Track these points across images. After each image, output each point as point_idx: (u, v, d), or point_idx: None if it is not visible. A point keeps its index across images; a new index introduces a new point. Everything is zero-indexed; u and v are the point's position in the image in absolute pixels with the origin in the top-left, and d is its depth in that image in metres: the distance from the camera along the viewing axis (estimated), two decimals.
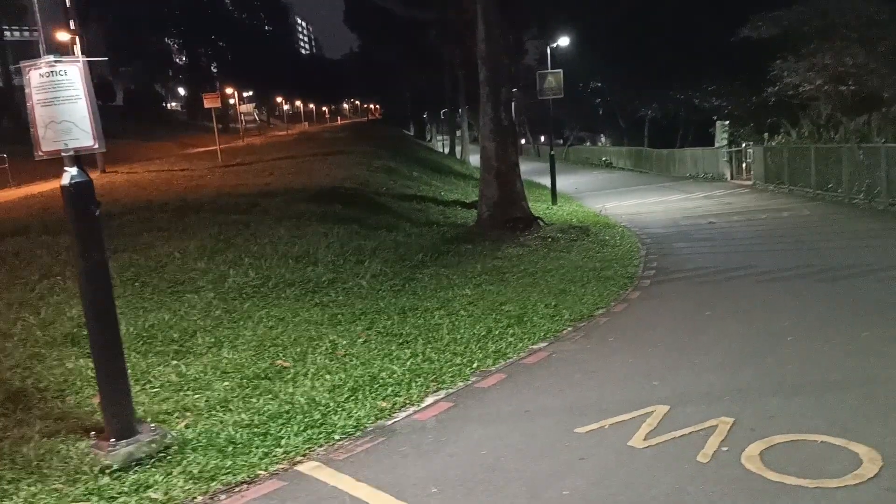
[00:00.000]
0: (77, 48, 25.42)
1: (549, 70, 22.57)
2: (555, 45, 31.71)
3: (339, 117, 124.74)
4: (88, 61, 4.68)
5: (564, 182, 28.28)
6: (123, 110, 60.73)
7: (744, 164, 25.45)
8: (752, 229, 13.84)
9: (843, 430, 4.32)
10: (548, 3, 36.66)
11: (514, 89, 40.18)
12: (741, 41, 24.55)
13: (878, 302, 7.51)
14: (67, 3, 27.53)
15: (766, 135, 23.78)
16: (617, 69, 40.03)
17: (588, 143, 63.72)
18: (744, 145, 26.13)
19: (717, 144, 28.56)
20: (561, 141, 61.24)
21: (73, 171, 4.33)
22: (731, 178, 25.80)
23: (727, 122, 29.04)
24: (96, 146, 4.53)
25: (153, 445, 4.49)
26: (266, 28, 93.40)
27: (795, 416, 4.62)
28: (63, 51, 23.40)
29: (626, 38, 36.22)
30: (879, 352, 5.82)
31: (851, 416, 4.55)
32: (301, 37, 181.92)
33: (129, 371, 5.62)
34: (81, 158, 4.43)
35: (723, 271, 9.94)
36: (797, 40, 22.66)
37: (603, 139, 61.60)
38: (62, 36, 24.26)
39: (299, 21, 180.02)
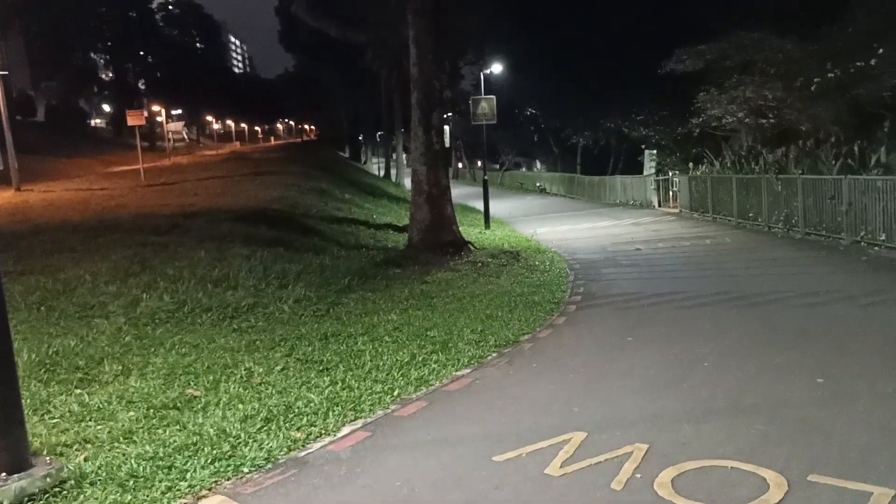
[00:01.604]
0: None
1: (483, 96, 22.82)
2: (489, 71, 32.18)
3: (272, 137, 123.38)
4: None
5: (498, 207, 28.54)
6: (45, 126, 58.58)
7: (671, 193, 26.16)
8: (675, 256, 14.16)
9: (751, 456, 4.38)
10: (483, 29, 37.21)
11: (450, 114, 40.66)
12: (668, 73, 25.33)
13: (791, 328, 7.73)
14: None
15: (691, 164, 24.51)
16: (550, 96, 40.83)
17: (524, 169, 64.58)
18: (670, 174, 26.90)
19: (645, 173, 29.33)
20: (497, 166, 61.98)
21: None
22: (659, 206, 26.46)
23: (654, 151, 29.89)
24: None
25: (48, 480, 4.25)
26: (198, 45, 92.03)
27: (707, 442, 4.67)
28: None
29: (559, 66, 37.03)
30: (790, 378, 5.96)
31: (760, 442, 4.62)
32: (234, 55, 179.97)
33: (28, 401, 5.35)
34: None
35: (646, 297, 10.10)
36: (719, 74, 23.52)
37: (538, 165, 62.56)
38: None
39: (233, 39, 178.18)
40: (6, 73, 26.65)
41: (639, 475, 4.23)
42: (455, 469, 4.51)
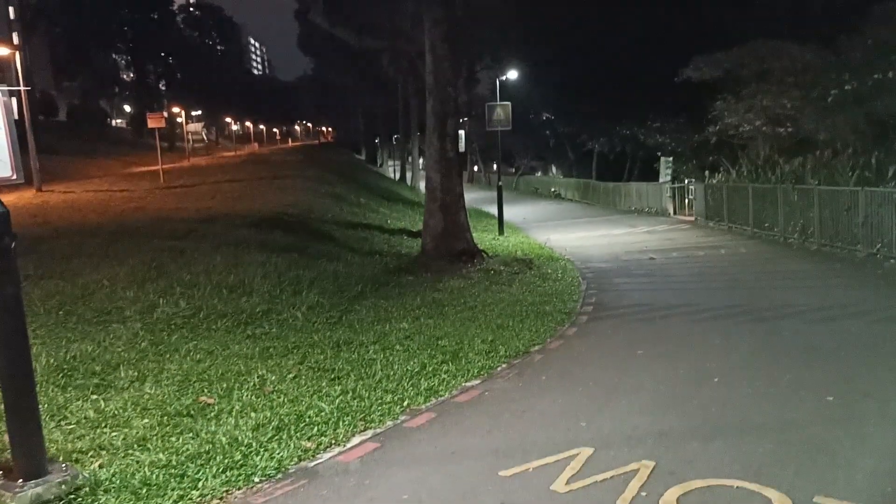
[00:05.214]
0: (17, 64, 24.76)
1: (498, 102, 22.81)
2: (505, 77, 32.19)
3: (290, 139, 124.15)
4: (9, 91, 4.54)
5: (512, 212, 28.54)
6: (66, 126, 59.29)
7: (686, 201, 26.05)
8: (689, 266, 14.12)
9: (757, 475, 4.40)
10: (499, 36, 37.21)
11: (465, 119, 40.68)
12: (685, 81, 25.23)
13: (803, 344, 7.70)
14: (11, 16, 26.87)
15: (707, 172, 24.38)
16: (566, 102, 40.76)
17: (539, 173, 64.40)
18: (686, 182, 26.78)
19: (661, 180, 29.21)
20: (512, 170, 61.93)
21: None
22: (674, 214, 26.35)
23: (671, 159, 29.75)
24: (14, 177, 4.40)
25: (63, 487, 4.34)
26: (218, 47, 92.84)
27: (714, 461, 4.69)
28: (2, 66, 22.77)
29: (576, 72, 36.95)
30: (799, 396, 5.95)
31: (767, 461, 4.63)
32: (254, 57, 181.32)
33: (45, 406, 5.46)
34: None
35: (658, 308, 10.09)
36: (737, 82, 23.40)
37: (554, 170, 62.41)
38: (1, 51, 23.54)
39: (252, 42, 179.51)
40: (29, 88, 27.04)
41: (644, 493, 4.26)
42: (461, 483, 4.56)
